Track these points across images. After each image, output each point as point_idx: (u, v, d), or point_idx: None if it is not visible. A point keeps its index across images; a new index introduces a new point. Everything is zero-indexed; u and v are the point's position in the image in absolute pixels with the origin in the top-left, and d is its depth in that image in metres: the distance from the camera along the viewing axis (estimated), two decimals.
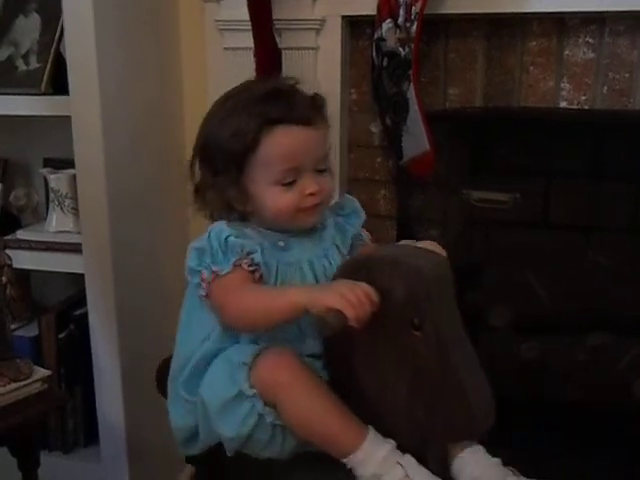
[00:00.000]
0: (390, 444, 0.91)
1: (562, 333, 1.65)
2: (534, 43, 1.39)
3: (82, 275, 1.46)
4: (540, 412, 1.55)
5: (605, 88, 1.36)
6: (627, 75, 1.34)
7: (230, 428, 0.95)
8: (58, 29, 1.43)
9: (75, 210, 1.48)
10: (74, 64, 1.34)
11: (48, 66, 1.44)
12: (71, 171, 1.47)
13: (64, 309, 1.60)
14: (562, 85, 1.38)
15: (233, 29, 1.44)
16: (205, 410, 0.97)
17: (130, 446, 1.52)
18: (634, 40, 1.33)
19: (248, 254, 0.95)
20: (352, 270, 0.95)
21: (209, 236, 0.96)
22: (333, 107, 1.43)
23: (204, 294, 0.97)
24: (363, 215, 1.11)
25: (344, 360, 0.97)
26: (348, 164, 1.54)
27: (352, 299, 0.85)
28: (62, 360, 1.58)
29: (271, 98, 0.97)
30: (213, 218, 1.04)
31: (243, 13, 1.33)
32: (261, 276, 0.96)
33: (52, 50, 1.44)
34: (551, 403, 1.59)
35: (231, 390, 0.94)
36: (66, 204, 1.51)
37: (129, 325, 1.48)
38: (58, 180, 1.51)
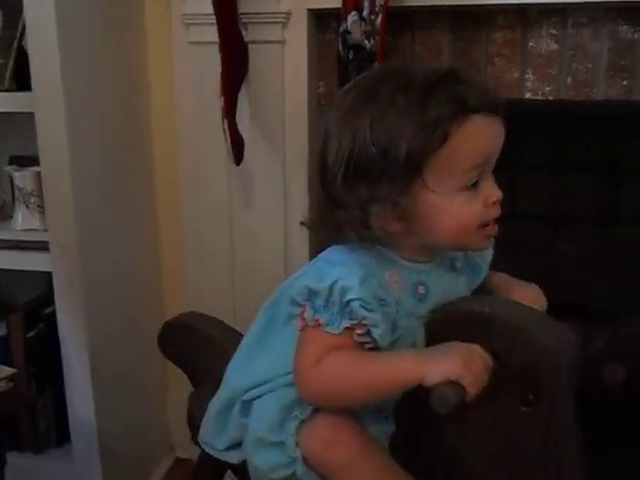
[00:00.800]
0: None
1: None
2: (499, 35, 1.40)
3: (50, 273, 1.44)
4: None
5: (569, 79, 1.37)
6: (590, 66, 1.35)
7: (262, 467, 0.86)
8: (20, 25, 1.41)
9: (41, 208, 1.46)
10: (36, 60, 1.32)
11: (10, 62, 1.42)
12: (36, 168, 1.45)
13: (33, 308, 1.58)
14: (527, 76, 1.39)
15: (199, 23, 1.43)
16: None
17: (102, 445, 1.51)
18: (596, 31, 1.34)
19: (366, 325, 0.78)
20: (466, 325, 0.81)
21: (332, 286, 0.77)
22: (301, 100, 1.44)
23: (300, 328, 0.82)
24: (492, 250, 0.93)
25: (421, 412, 0.82)
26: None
27: (475, 372, 0.74)
28: (32, 359, 1.56)
29: (461, 80, 0.77)
30: (339, 242, 0.83)
31: (208, 7, 1.32)
32: (370, 349, 0.80)
33: (14, 46, 1.42)
34: None
35: (275, 434, 0.84)
36: (32, 202, 1.49)
37: (98, 323, 1.47)
38: (23, 178, 1.49)
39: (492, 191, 0.81)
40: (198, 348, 1.09)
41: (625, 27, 1.33)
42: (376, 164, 0.77)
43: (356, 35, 1.32)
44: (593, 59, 1.36)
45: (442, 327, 0.83)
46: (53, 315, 1.48)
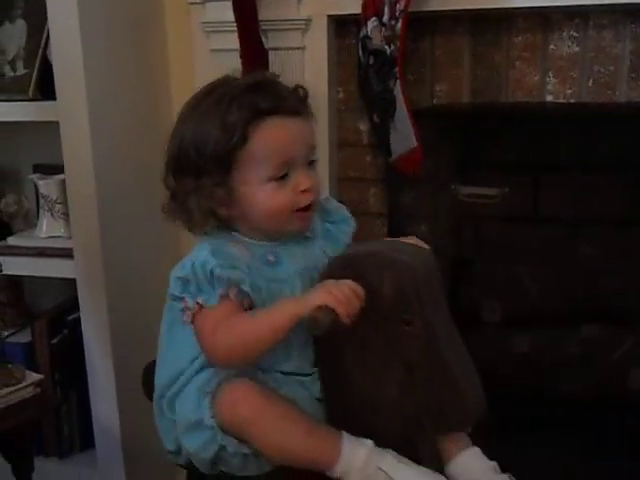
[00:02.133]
0: (366, 446, 0.90)
1: (553, 326, 1.65)
2: (519, 38, 1.39)
3: (74, 280, 1.46)
4: (533, 405, 1.56)
5: (590, 81, 1.37)
6: (612, 68, 1.35)
7: (194, 450, 0.94)
8: (44, 35, 1.43)
9: (65, 215, 1.49)
10: (61, 69, 1.35)
11: (35, 72, 1.44)
12: (60, 176, 1.47)
13: (57, 314, 1.60)
14: (548, 79, 1.39)
15: (219, 31, 1.44)
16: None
17: (126, 450, 1.52)
18: (617, 33, 1.34)
19: (236, 284, 0.89)
20: (339, 268, 0.93)
21: (193, 266, 0.90)
22: (321, 106, 1.44)
23: (189, 321, 0.92)
24: (353, 223, 1.07)
25: (335, 360, 0.97)
26: (337, 163, 1.54)
27: (339, 295, 0.84)
28: (56, 365, 1.58)
29: (256, 89, 0.92)
30: (191, 228, 0.98)
31: (229, 15, 1.34)
32: (250, 303, 0.92)
33: (39, 56, 1.45)
34: (544, 396, 1.60)
35: (195, 414, 0.93)
36: (56, 209, 1.51)
37: (122, 328, 1.48)
38: (48, 186, 1.51)
39: (301, 181, 0.93)
40: None
41: None
42: (195, 162, 0.92)
43: (376, 40, 1.32)
44: (614, 61, 1.35)
45: (324, 273, 0.95)
46: (77, 321, 1.50)
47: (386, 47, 1.30)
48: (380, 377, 0.94)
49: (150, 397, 1.12)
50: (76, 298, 1.47)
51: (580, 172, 1.55)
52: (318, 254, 1.00)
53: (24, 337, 1.59)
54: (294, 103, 0.93)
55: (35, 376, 1.30)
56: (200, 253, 0.91)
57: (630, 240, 1.59)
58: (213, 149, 0.91)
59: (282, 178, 0.93)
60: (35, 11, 1.45)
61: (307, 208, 0.95)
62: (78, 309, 1.48)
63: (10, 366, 1.29)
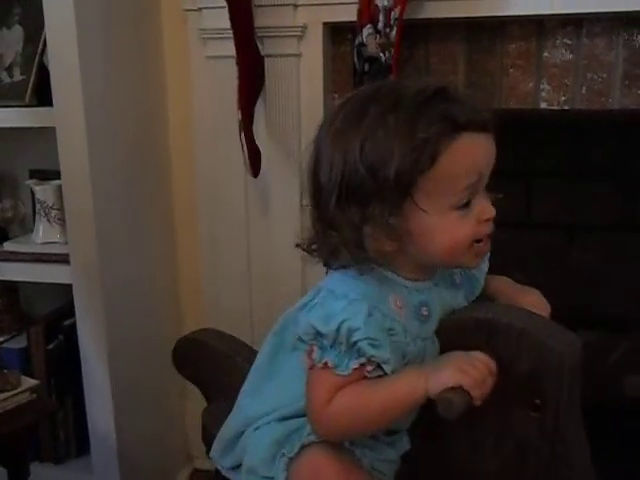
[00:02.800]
0: None
1: None
2: (513, 46, 1.40)
3: (70, 285, 1.46)
4: None
5: (584, 89, 1.37)
6: (605, 75, 1.36)
7: None
8: (41, 41, 1.43)
9: (62, 221, 1.49)
10: (57, 75, 1.35)
11: (32, 78, 1.44)
12: (57, 182, 1.47)
13: (53, 320, 1.60)
14: (542, 86, 1.40)
15: (215, 37, 1.45)
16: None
17: (121, 456, 1.52)
18: (611, 41, 1.35)
19: (376, 362, 0.79)
20: (469, 334, 0.83)
21: (340, 327, 0.77)
22: (317, 112, 1.45)
23: (308, 367, 0.82)
24: (487, 258, 0.92)
25: (436, 423, 0.84)
26: None
27: (476, 376, 0.75)
28: (52, 371, 1.58)
29: (447, 98, 0.77)
30: (327, 263, 0.85)
31: (225, 22, 1.34)
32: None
33: (35, 62, 1.45)
34: None
35: (266, 469, 0.86)
36: (52, 215, 1.51)
37: (118, 334, 1.48)
38: (44, 191, 1.51)
39: (485, 208, 0.80)
40: (211, 364, 1.10)
41: None
42: (367, 185, 0.76)
43: (371, 48, 1.33)
44: (608, 69, 1.36)
45: (447, 336, 0.84)
46: (73, 327, 1.50)
47: (381, 54, 1.31)
48: (485, 448, 0.86)
49: (182, 371, 1.11)
50: (72, 304, 1.47)
51: (574, 179, 1.56)
52: (461, 301, 0.89)
53: (20, 343, 1.59)
54: (486, 116, 0.79)
55: (31, 382, 1.30)
56: (354, 316, 0.78)
57: (624, 246, 1.60)
58: (396, 171, 0.75)
59: (465, 204, 0.79)
60: (32, 17, 1.45)
61: (486, 241, 0.82)
62: (74, 315, 1.48)
63: (6, 372, 1.29)
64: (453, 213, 0.78)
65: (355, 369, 0.78)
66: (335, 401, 0.80)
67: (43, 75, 1.42)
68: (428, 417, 0.84)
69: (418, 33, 1.41)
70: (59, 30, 1.33)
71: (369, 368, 0.79)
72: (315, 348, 0.80)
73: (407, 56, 1.42)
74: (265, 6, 1.39)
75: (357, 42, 1.35)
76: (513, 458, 0.84)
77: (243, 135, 1.39)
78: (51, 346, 1.58)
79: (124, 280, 1.50)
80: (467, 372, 0.75)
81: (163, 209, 1.65)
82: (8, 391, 1.25)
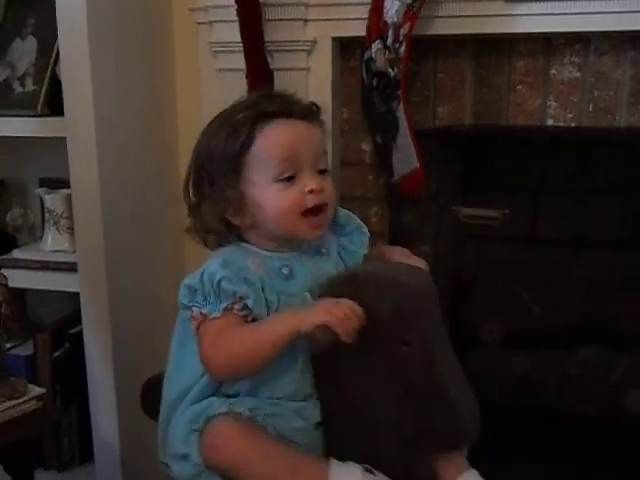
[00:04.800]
0: (355, 475, 0.90)
1: (553, 347, 1.66)
2: (521, 63, 1.41)
3: (78, 294, 1.47)
4: (532, 425, 1.56)
5: (591, 106, 1.38)
6: (612, 93, 1.37)
7: (178, 474, 0.98)
8: (54, 52, 1.45)
9: (70, 229, 1.50)
10: (69, 86, 1.37)
11: (44, 88, 1.46)
12: (66, 191, 1.48)
13: (59, 328, 1.61)
14: (549, 103, 1.41)
15: (226, 51, 1.47)
16: None
17: (125, 464, 1.52)
18: (618, 59, 1.36)
19: (240, 298, 0.91)
20: (338, 286, 0.95)
21: (202, 276, 0.92)
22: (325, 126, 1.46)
23: (195, 330, 0.94)
24: (366, 230, 1.06)
25: (334, 381, 0.98)
26: (340, 182, 1.56)
27: (338, 314, 0.86)
28: (57, 378, 1.58)
29: (266, 97, 0.96)
30: (207, 243, 1.01)
31: (236, 35, 1.36)
32: (254, 318, 0.93)
33: (48, 72, 1.46)
34: (543, 416, 1.61)
35: (183, 447, 0.95)
36: (61, 224, 1.52)
37: (124, 343, 1.49)
38: (53, 200, 1.52)
39: (308, 181, 0.94)
40: None
41: None
42: (208, 169, 0.95)
43: (380, 63, 1.34)
44: (615, 86, 1.37)
45: (322, 294, 0.95)
46: (79, 335, 1.51)
47: (389, 70, 1.32)
48: (379, 396, 0.95)
49: (149, 414, 1.13)
50: (78, 312, 1.48)
51: (579, 195, 1.57)
52: (331, 271, 1.01)
53: (26, 350, 1.60)
54: (302, 109, 0.96)
55: (37, 390, 1.30)
56: (212, 263, 0.93)
57: (628, 263, 1.60)
58: (222, 152, 0.94)
59: (289, 180, 0.94)
60: (45, 29, 1.47)
61: (317, 212, 0.95)
62: (80, 323, 1.49)
63: (13, 379, 1.29)
64: (275, 185, 0.93)
65: (225, 309, 0.91)
66: (217, 342, 0.91)
67: (55, 86, 1.43)
68: (327, 379, 0.98)
69: (426, 49, 1.43)
70: (71, 41, 1.34)
71: (236, 307, 0.91)
72: (194, 308, 0.93)
73: (415, 72, 1.44)
74: (275, 20, 1.41)
75: (366, 57, 1.36)
76: (401, 396, 0.93)
77: None
78: (57, 353, 1.59)
79: (131, 289, 1.51)
80: (332, 312, 0.86)
81: (171, 220, 1.66)
82: (15, 399, 1.26)
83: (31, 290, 1.60)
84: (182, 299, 0.94)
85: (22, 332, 1.66)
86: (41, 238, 1.57)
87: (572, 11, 1.29)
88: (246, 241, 0.99)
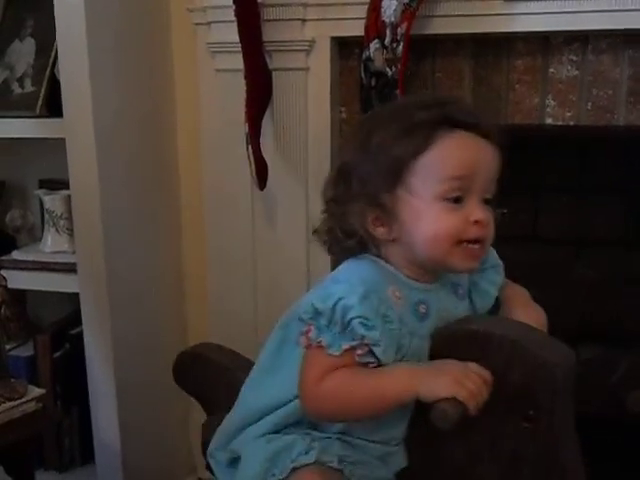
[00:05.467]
0: None
1: None
2: (519, 62, 1.41)
3: (77, 294, 1.47)
4: None
5: (589, 104, 1.38)
6: (610, 92, 1.36)
7: None
8: (52, 53, 1.45)
9: (70, 230, 1.50)
10: (68, 87, 1.37)
11: (43, 89, 1.46)
12: (66, 192, 1.49)
13: (60, 328, 1.61)
14: (547, 102, 1.40)
15: (224, 51, 1.47)
16: None
17: (125, 465, 1.53)
18: (616, 57, 1.35)
19: (367, 344, 0.80)
20: (463, 344, 0.84)
21: (335, 305, 0.80)
22: (323, 126, 1.46)
23: (303, 345, 0.84)
24: (502, 270, 0.95)
25: (431, 437, 0.86)
26: None
27: (472, 388, 0.76)
28: (58, 379, 1.59)
29: (449, 102, 0.85)
30: (331, 249, 0.89)
31: (234, 35, 1.36)
32: (377, 365, 0.82)
33: (47, 73, 1.47)
34: None
35: None
36: (61, 225, 1.53)
37: (124, 344, 1.49)
38: (53, 201, 1.53)
39: (475, 210, 0.82)
40: (211, 378, 1.10)
41: None
42: (364, 164, 0.83)
43: (378, 63, 1.34)
44: (613, 85, 1.36)
45: (442, 346, 0.85)
46: (80, 336, 1.51)
47: (388, 69, 1.32)
48: (480, 457, 0.86)
49: (181, 385, 1.11)
50: (79, 312, 1.48)
51: (579, 194, 1.57)
52: (463, 313, 0.90)
53: (26, 351, 1.61)
54: (487, 125, 0.84)
55: (37, 391, 1.31)
56: (350, 292, 0.80)
57: (628, 262, 1.60)
58: (388, 150, 0.82)
59: (455, 202, 0.82)
60: (44, 30, 1.47)
61: (475, 242, 0.83)
62: (81, 324, 1.49)
63: (13, 380, 1.30)
64: (440, 204, 0.81)
65: (346, 350, 0.80)
66: (325, 381, 0.82)
67: (54, 87, 1.44)
68: (423, 427, 0.84)
69: (425, 48, 1.43)
70: (70, 42, 1.35)
71: (359, 352, 0.80)
72: (312, 328, 0.82)
73: (414, 71, 1.43)
74: (273, 20, 1.41)
75: (364, 57, 1.36)
76: (508, 468, 0.85)
77: (250, 148, 1.40)
78: (57, 354, 1.59)
79: (131, 290, 1.51)
80: (463, 384, 0.76)
81: (170, 220, 1.66)
82: (15, 400, 1.26)
83: (31, 291, 1.60)
84: (303, 314, 0.83)
85: (22, 333, 1.66)
86: (41, 239, 1.58)
87: (570, 10, 1.29)
88: (380, 256, 0.86)
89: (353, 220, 0.84)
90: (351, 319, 0.79)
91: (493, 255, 0.95)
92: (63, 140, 1.39)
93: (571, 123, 1.39)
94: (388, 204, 0.82)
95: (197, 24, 1.50)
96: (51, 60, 1.46)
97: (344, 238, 0.86)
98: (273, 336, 0.95)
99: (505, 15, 1.32)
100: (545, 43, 1.39)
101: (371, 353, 0.81)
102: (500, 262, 0.96)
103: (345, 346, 0.80)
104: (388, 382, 0.80)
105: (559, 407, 0.81)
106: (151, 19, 1.54)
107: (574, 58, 1.38)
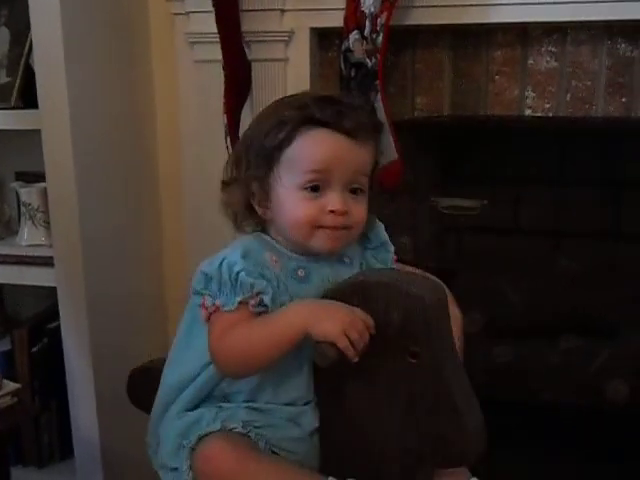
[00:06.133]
0: None
1: (534, 337, 1.67)
2: (499, 53, 1.41)
3: (55, 288, 1.45)
4: (513, 414, 1.57)
5: (568, 96, 1.39)
6: (589, 83, 1.37)
7: None
8: (27, 43, 1.43)
9: (47, 223, 1.48)
10: (43, 78, 1.35)
11: (18, 80, 1.44)
12: (42, 184, 1.47)
13: (37, 323, 1.60)
14: (526, 93, 1.41)
15: (203, 42, 1.45)
16: None
17: (105, 459, 1.52)
18: (595, 49, 1.36)
19: (257, 293, 0.88)
20: (346, 293, 0.91)
21: (220, 264, 0.89)
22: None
23: (204, 318, 0.91)
24: (392, 249, 1.01)
25: (335, 390, 0.94)
26: None
27: (354, 337, 0.83)
28: (36, 374, 1.57)
29: (323, 102, 0.92)
30: (236, 223, 0.98)
31: (212, 26, 1.35)
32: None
33: (21, 64, 1.44)
34: (524, 406, 1.62)
35: (173, 461, 0.93)
36: (38, 218, 1.51)
37: (102, 337, 1.48)
38: (29, 194, 1.51)
39: (332, 200, 0.90)
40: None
41: (624, 45, 1.35)
42: (246, 154, 0.93)
43: (358, 54, 1.33)
44: (592, 76, 1.37)
45: (330, 296, 0.91)
46: (57, 330, 1.50)
47: (367, 60, 1.31)
48: (382, 409, 0.91)
49: (136, 403, 1.11)
50: (56, 306, 1.47)
51: (558, 185, 1.58)
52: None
53: (3, 345, 1.59)
54: (353, 125, 0.90)
55: (12, 385, 1.29)
56: (232, 253, 0.90)
57: (608, 253, 1.61)
58: (260, 143, 0.92)
59: (314, 191, 0.90)
60: (18, 19, 1.45)
61: (333, 229, 0.91)
62: (58, 318, 1.47)
63: None
64: (300, 192, 0.90)
65: (240, 303, 0.87)
66: (226, 337, 0.88)
67: (29, 77, 1.42)
68: (326, 384, 0.94)
69: (404, 39, 1.42)
70: (45, 32, 1.33)
71: (252, 302, 0.88)
72: (206, 297, 0.89)
73: (393, 62, 1.43)
74: (252, 11, 1.40)
75: (344, 48, 1.35)
76: (406, 411, 0.90)
77: (229, 139, 1.39)
78: (35, 349, 1.57)
79: (109, 283, 1.50)
80: (348, 333, 0.83)
81: (149, 212, 1.65)
82: None
83: (8, 285, 1.58)
84: (196, 285, 0.91)
85: None
86: (17, 232, 1.55)
87: (549, 1, 1.29)
88: (266, 233, 0.96)
89: (235, 200, 0.95)
90: (237, 272, 0.87)
91: (382, 235, 1.02)
92: (39, 132, 1.37)
93: (550, 114, 1.40)
94: (258, 190, 0.93)
95: (175, 14, 1.49)
96: (26, 50, 1.44)
97: (235, 214, 0.97)
98: (184, 317, 0.99)
99: (484, 6, 1.31)
100: (524, 34, 1.39)
101: (261, 304, 0.88)
102: (389, 242, 1.02)
103: (238, 298, 0.87)
104: (282, 323, 0.86)
105: (437, 338, 0.87)
106: (128, 8, 1.52)
107: (553, 49, 1.39)
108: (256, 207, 0.94)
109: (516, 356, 1.69)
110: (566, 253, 1.65)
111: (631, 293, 1.58)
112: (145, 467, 1.68)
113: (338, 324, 0.83)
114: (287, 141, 0.90)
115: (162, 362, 1.10)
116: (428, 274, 0.98)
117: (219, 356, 0.90)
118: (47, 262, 1.45)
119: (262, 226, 0.97)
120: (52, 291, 1.47)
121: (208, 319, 0.90)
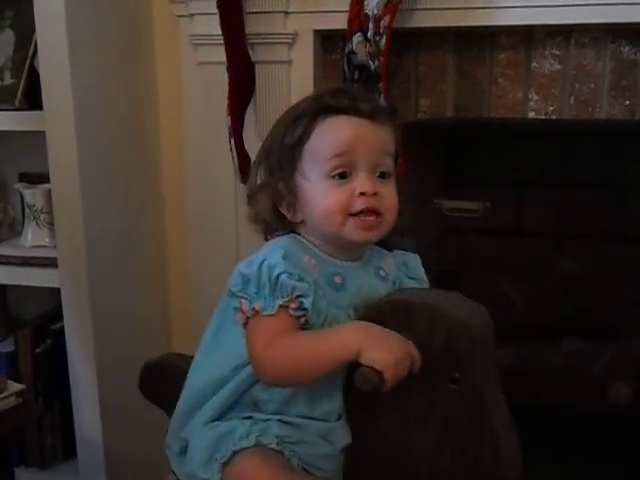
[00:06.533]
0: None
1: (536, 339, 1.67)
2: (502, 55, 1.41)
3: (59, 289, 1.46)
4: (515, 416, 1.57)
5: (572, 98, 1.39)
6: (592, 86, 1.37)
7: None
8: (32, 45, 1.44)
9: (51, 225, 1.49)
10: (48, 79, 1.35)
11: (22, 82, 1.44)
12: (46, 186, 1.47)
13: (41, 324, 1.60)
14: (530, 96, 1.41)
15: (207, 44, 1.45)
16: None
17: (108, 461, 1.52)
18: (599, 51, 1.36)
19: (298, 297, 0.85)
20: (389, 312, 0.88)
21: (261, 266, 0.86)
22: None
23: (241, 322, 0.88)
24: (427, 285, 1.01)
25: (366, 407, 0.92)
26: None
27: (402, 372, 0.82)
28: (39, 375, 1.57)
29: (334, 92, 0.92)
30: (267, 233, 0.96)
31: (216, 28, 1.35)
32: (306, 322, 0.87)
33: (26, 66, 1.45)
34: (526, 407, 1.61)
35: (203, 474, 0.90)
36: (41, 219, 1.51)
37: (106, 339, 1.48)
38: (33, 195, 1.51)
39: (360, 183, 0.88)
40: (176, 387, 1.07)
41: (627, 48, 1.34)
42: (270, 157, 0.92)
43: (361, 56, 1.33)
44: (595, 79, 1.37)
45: (368, 317, 0.89)
46: (61, 331, 1.50)
47: (370, 62, 1.31)
48: (416, 431, 0.90)
49: (150, 397, 1.11)
50: (60, 307, 1.47)
51: (561, 187, 1.58)
52: (381, 293, 0.94)
53: (7, 346, 1.59)
54: (370, 108, 0.90)
55: (17, 386, 1.30)
56: (272, 254, 0.87)
57: (611, 255, 1.61)
58: (280, 143, 0.91)
59: (342, 178, 0.89)
60: (23, 21, 1.45)
61: (368, 213, 0.89)
62: (62, 319, 1.48)
63: None
64: (327, 182, 0.89)
65: (281, 306, 0.85)
66: (271, 346, 0.85)
67: (34, 79, 1.42)
68: (357, 402, 0.92)
69: (408, 42, 1.42)
70: (50, 34, 1.33)
71: (293, 306, 0.85)
72: (244, 301, 0.87)
73: (397, 64, 1.43)
74: (256, 13, 1.40)
75: (347, 50, 1.35)
76: (442, 434, 0.88)
77: (233, 141, 1.39)
78: (39, 350, 1.58)
79: (112, 284, 1.50)
80: (396, 367, 0.81)
81: (153, 213, 1.65)
82: None
83: (12, 286, 1.59)
84: (232, 287, 0.88)
85: (3, 328, 1.65)
86: (21, 233, 1.56)
87: (553, 3, 1.29)
88: (297, 234, 0.94)
89: (263, 208, 0.92)
90: (278, 274, 0.85)
91: (421, 270, 1.01)
92: (43, 133, 1.38)
93: (554, 117, 1.40)
94: (286, 191, 0.90)
95: (179, 16, 1.49)
96: (31, 52, 1.45)
97: (266, 224, 0.94)
98: (213, 318, 0.97)
99: (488, 9, 1.31)
100: (528, 37, 1.39)
101: (301, 308, 0.85)
102: (426, 279, 1.01)
103: (279, 302, 0.84)
104: (332, 343, 0.84)
105: (481, 365, 0.85)
106: (132, 10, 1.53)
107: (557, 52, 1.38)
108: (284, 212, 0.92)
109: (518, 358, 1.69)
110: (569, 255, 1.65)
111: (634, 295, 1.58)
112: (147, 468, 1.69)
113: (392, 356, 0.81)
114: (306, 134, 0.89)
115: (175, 358, 1.11)
116: (466, 297, 0.95)
117: (262, 366, 0.87)
118: (51, 263, 1.46)
119: (293, 232, 0.94)
120: (56, 292, 1.47)
121: (245, 323, 0.88)
